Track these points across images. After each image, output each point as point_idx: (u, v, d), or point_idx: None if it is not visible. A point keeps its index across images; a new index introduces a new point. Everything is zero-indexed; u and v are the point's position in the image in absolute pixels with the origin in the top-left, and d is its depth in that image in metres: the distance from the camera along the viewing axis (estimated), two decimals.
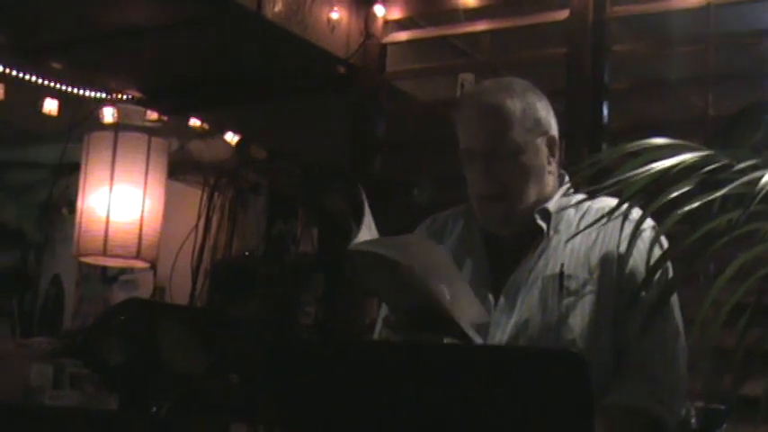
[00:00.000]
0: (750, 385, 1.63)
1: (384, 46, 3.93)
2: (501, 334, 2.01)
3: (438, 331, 1.88)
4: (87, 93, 4.47)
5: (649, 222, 1.87)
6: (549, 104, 2.14)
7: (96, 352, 3.51)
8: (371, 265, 1.84)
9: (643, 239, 1.96)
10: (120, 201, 4.51)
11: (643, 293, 1.91)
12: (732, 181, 1.58)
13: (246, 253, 5.09)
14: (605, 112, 3.42)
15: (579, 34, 3.47)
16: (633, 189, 1.70)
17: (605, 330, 1.99)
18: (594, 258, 2.03)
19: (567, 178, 2.18)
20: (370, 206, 1.90)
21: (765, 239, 1.60)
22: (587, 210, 2.09)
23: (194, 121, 4.82)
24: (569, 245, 2.05)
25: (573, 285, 2.01)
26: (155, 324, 3.43)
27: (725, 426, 2.36)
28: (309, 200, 5.01)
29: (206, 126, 4.88)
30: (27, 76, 4.24)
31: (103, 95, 4.52)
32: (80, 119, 4.72)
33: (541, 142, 2.09)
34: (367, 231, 1.85)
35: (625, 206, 1.82)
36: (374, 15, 3.91)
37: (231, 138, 4.93)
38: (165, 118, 4.75)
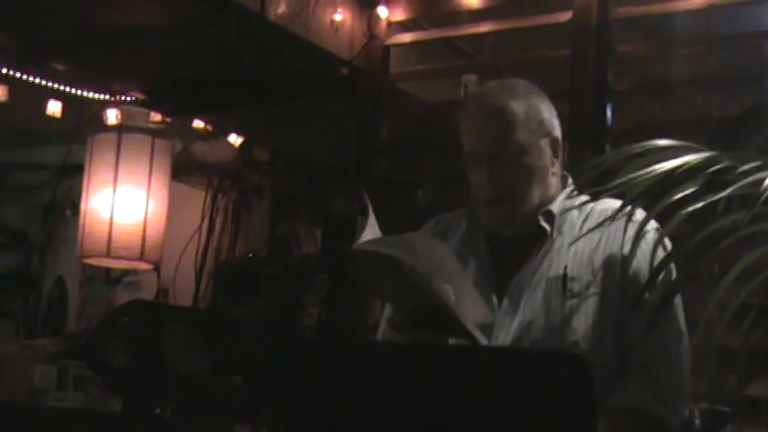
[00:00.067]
0: (754, 386, 1.63)
1: (387, 47, 3.93)
2: (504, 335, 2.01)
3: (442, 331, 1.88)
4: (91, 94, 4.48)
5: (653, 224, 1.87)
6: (552, 106, 2.14)
7: (100, 353, 3.51)
8: (375, 265, 1.84)
9: (647, 241, 1.96)
10: (124, 202, 4.51)
11: (646, 295, 1.91)
12: (736, 182, 1.58)
13: (250, 254, 5.09)
14: (609, 113, 3.42)
15: (583, 35, 3.46)
16: (637, 190, 1.70)
17: (609, 332, 1.99)
18: (598, 260, 2.03)
19: (570, 180, 2.17)
20: (374, 207, 1.90)
21: None
22: (590, 211, 2.09)
23: (198, 123, 4.82)
24: (573, 246, 2.05)
25: (576, 287, 2.01)
26: (158, 326, 3.43)
27: (729, 427, 2.36)
28: (313, 201, 5.01)
29: (209, 128, 4.88)
30: (30, 78, 4.25)
31: (107, 97, 4.52)
32: (84, 120, 4.72)
33: (545, 144, 2.09)
34: (370, 231, 1.85)
35: (628, 208, 1.82)
36: (377, 17, 3.91)
37: (234, 139, 4.93)
38: (169, 119, 4.76)
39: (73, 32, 3.89)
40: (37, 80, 4.26)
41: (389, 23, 3.92)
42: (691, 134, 1.95)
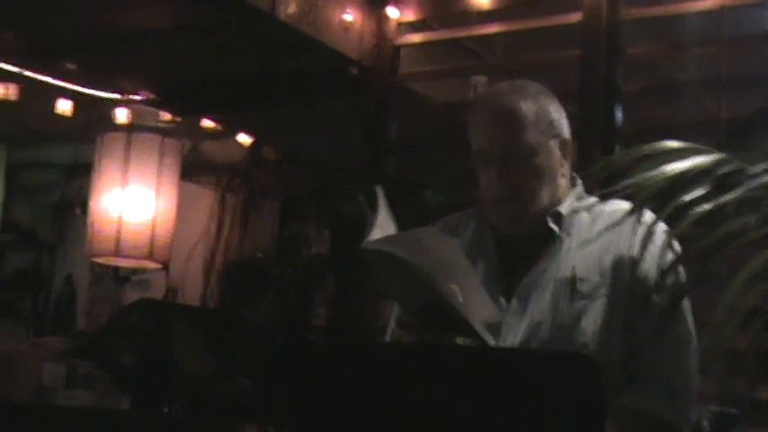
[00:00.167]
0: (763, 389, 1.63)
1: (397, 48, 3.93)
2: (513, 336, 2.01)
3: (450, 331, 1.88)
4: (101, 94, 4.49)
5: (662, 226, 1.86)
6: (561, 107, 2.14)
7: (108, 352, 3.52)
8: (383, 264, 1.84)
9: (655, 243, 1.96)
10: (133, 201, 4.52)
11: (655, 297, 1.90)
12: (745, 184, 1.58)
13: (259, 254, 5.10)
14: (618, 114, 3.42)
15: (592, 36, 3.46)
16: (646, 192, 1.70)
17: (617, 333, 1.99)
18: (606, 262, 2.02)
19: (578, 181, 2.17)
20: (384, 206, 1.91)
21: None
22: (599, 213, 2.09)
23: (207, 123, 4.83)
24: (581, 248, 2.04)
25: (585, 288, 2.01)
26: (167, 325, 3.43)
27: (737, 430, 2.36)
28: (322, 201, 5.01)
29: (219, 127, 4.89)
30: (41, 77, 4.26)
31: (117, 96, 4.54)
32: (93, 120, 4.74)
33: (554, 144, 2.09)
34: (380, 230, 1.85)
35: (638, 210, 1.82)
36: (387, 17, 3.91)
37: (244, 139, 4.94)
38: (178, 119, 4.77)
39: (83, 32, 3.90)
40: (47, 79, 4.27)
41: (399, 24, 3.92)
42: (700, 136, 1.95)
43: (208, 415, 3.23)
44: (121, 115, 4.71)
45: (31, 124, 5.05)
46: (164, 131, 4.68)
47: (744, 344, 1.55)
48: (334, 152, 4.52)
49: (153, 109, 4.69)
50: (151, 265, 4.72)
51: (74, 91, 4.40)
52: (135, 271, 5.17)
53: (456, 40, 3.96)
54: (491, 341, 1.89)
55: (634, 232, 1.94)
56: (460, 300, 1.83)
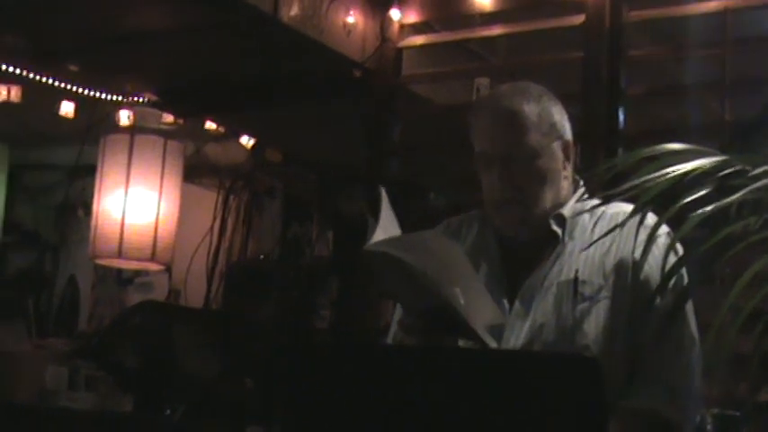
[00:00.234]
0: (766, 392, 1.63)
1: (400, 50, 3.93)
2: (515, 339, 2.01)
3: (453, 334, 1.88)
4: (104, 95, 4.49)
5: (664, 228, 1.86)
6: (564, 109, 2.14)
7: (111, 354, 3.52)
8: (385, 267, 1.84)
9: (658, 245, 1.95)
10: (136, 203, 4.52)
11: (658, 300, 1.90)
12: (748, 186, 1.57)
13: (261, 256, 5.10)
14: (621, 116, 3.42)
15: (596, 39, 3.46)
16: (649, 195, 1.70)
17: (619, 336, 1.99)
18: (609, 264, 2.02)
19: (581, 183, 2.17)
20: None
21: None
22: (602, 215, 2.09)
23: (210, 124, 4.84)
24: (584, 250, 2.04)
25: (587, 291, 2.01)
26: (170, 326, 3.44)
27: None
28: (325, 203, 5.01)
29: (221, 129, 4.89)
30: (44, 79, 4.26)
31: (120, 98, 4.54)
32: (96, 121, 4.74)
33: (557, 147, 2.09)
34: (382, 232, 1.85)
35: (640, 212, 1.82)
36: (390, 19, 3.91)
37: (247, 141, 4.94)
38: (181, 121, 4.77)
39: (86, 34, 3.91)
40: (50, 81, 4.27)
41: (402, 26, 3.92)
42: (704, 138, 1.95)
43: (212, 415, 3.23)
44: (124, 117, 4.71)
45: (34, 126, 5.05)
46: (166, 133, 4.68)
47: (746, 346, 1.55)
48: (337, 154, 4.52)
49: (156, 111, 4.70)
50: (154, 266, 4.73)
51: (77, 93, 4.40)
52: (138, 273, 5.18)
53: (459, 43, 3.96)
54: (493, 344, 1.89)
55: (636, 234, 1.94)
56: (463, 302, 1.82)
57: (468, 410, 1.50)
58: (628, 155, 1.97)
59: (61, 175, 5.48)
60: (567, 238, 2.07)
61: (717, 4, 3.30)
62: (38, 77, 4.24)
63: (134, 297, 5.14)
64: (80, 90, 4.39)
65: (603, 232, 2.02)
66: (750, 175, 1.60)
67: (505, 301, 2.05)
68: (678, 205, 1.63)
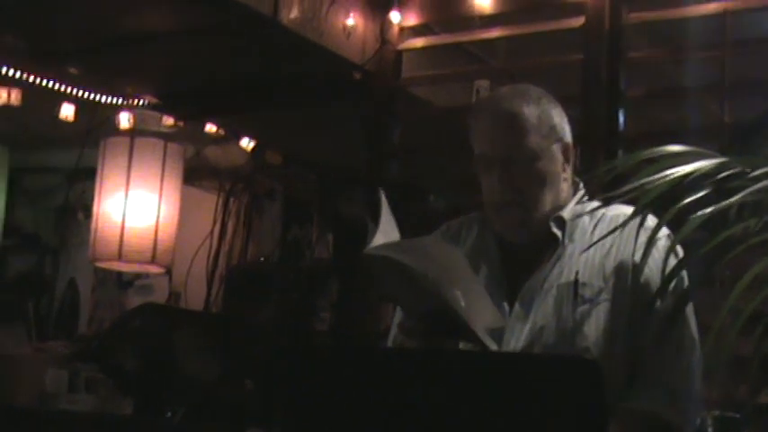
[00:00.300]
0: (766, 394, 1.63)
1: (399, 52, 3.93)
2: (515, 341, 2.01)
3: (453, 337, 1.88)
4: (104, 98, 4.49)
5: (664, 230, 1.86)
6: (564, 111, 2.14)
7: (112, 356, 3.52)
8: (386, 270, 1.84)
9: (658, 248, 1.96)
10: (136, 206, 4.52)
11: (658, 303, 1.90)
12: (747, 188, 1.57)
13: (262, 258, 5.10)
14: (621, 118, 3.41)
15: (595, 41, 3.46)
16: (649, 197, 1.70)
17: (619, 338, 1.99)
18: (609, 266, 2.02)
19: (581, 185, 2.17)
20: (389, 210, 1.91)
21: None
22: (602, 217, 2.09)
23: (210, 127, 4.83)
24: (584, 253, 2.04)
25: (587, 293, 2.01)
26: (170, 329, 3.44)
27: None
28: (325, 205, 5.02)
29: (222, 132, 4.89)
30: (44, 82, 4.26)
31: (120, 101, 4.54)
32: (96, 124, 4.74)
33: (557, 149, 2.09)
34: (382, 235, 1.85)
35: (640, 214, 1.82)
36: (390, 22, 3.92)
37: (247, 143, 4.95)
38: (181, 123, 4.77)
39: (86, 36, 3.91)
40: (50, 84, 4.27)
41: (402, 28, 3.92)
42: (704, 140, 1.95)
43: (212, 418, 3.23)
44: (124, 120, 4.71)
45: (34, 128, 5.05)
46: (167, 136, 4.68)
47: (746, 348, 1.55)
48: (337, 156, 4.52)
49: (156, 113, 4.70)
50: (154, 269, 4.72)
51: (77, 95, 4.40)
52: (138, 276, 5.17)
53: (458, 45, 3.96)
54: (493, 347, 1.89)
55: (637, 237, 1.94)
56: (463, 305, 1.83)
57: (469, 413, 1.50)
58: (627, 157, 1.98)
59: (61, 178, 5.48)
60: (566, 241, 2.07)
61: (716, 6, 3.30)
62: (38, 80, 4.24)
63: (134, 300, 5.14)
64: (80, 93, 4.39)
65: (603, 234, 2.02)
66: (750, 176, 1.61)
67: (505, 304, 2.05)
68: (678, 207, 1.63)
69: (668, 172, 1.69)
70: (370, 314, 3.76)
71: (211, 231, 5.00)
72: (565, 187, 2.12)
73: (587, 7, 3.48)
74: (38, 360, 3.97)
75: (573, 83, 3.46)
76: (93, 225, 4.59)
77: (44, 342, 4.74)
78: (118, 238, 4.48)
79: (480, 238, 2.16)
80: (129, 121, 4.70)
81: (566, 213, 2.09)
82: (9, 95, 4.35)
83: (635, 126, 3.51)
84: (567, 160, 2.11)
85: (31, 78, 4.21)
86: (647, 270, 1.98)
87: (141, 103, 4.55)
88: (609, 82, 3.43)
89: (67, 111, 4.52)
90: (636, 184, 1.71)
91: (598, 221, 2.09)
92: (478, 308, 1.87)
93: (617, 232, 1.99)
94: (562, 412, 1.47)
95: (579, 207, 2.12)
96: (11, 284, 5.58)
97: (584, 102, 3.42)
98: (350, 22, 3.85)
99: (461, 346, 1.89)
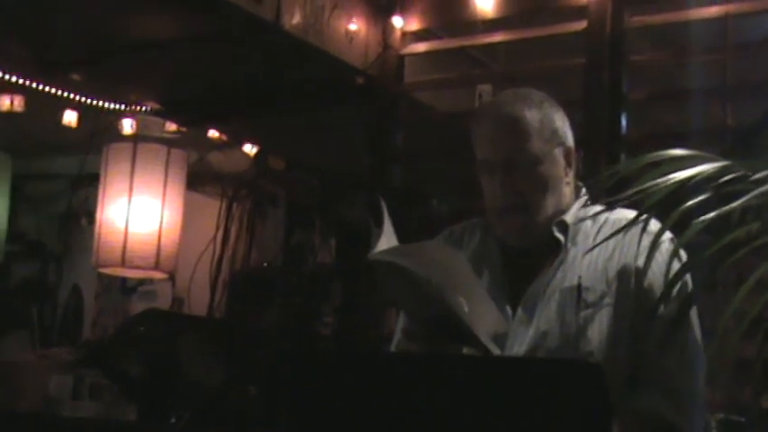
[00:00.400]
0: None
1: (402, 57, 3.94)
2: (519, 346, 2.01)
3: (457, 342, 1.88)
4: (107, 104, 4.50)
5: (667, 234, 1.86)
6: (566, 115, 2.14)
7: (115, 362, 3.52)
8: (390, 275, 1.84)
9: (661, 252, 1.95)
10: (139, 212, 4.53)
11: (662, 307, 1.90)
12: (749, 191, 1.57)
13: (265, 264, 5.10)
14: (623, 122, 3.42)
15: (597, 44, 3.46)
16: (651, 200, 1.70)
17: (623, 342, 1.98)
18: (612, 270, 2.02)
19: (583, 190, 2.17)
20: (390, 215, 1.91)
21: None
22: (605, 221, 2.08)
23: (213, 133, 4.84)
24: (587, 257, 2.04)
25: (591, 298, 2.01)
26: (174, 335, 3.43)
27: None
28: (327, 210, 5.02)
29: (224, 137, 4.90)
30: (47, 88, 4.27)
31: (123, 107, 4.54)
32: (99, 130, 4.75)
33: (559, 153, 2.09)
34: (386, 240, 1.85)
35: (643, 218, 1.82)
36: (392, 26, 3.92)
37: (249, 149, 4.95)
38: (184, 129, 4.78)
39: (89, 43, 3.91)
40: (53, 90, 4.28)
41: (404, 33, 3.93)
42: (706, 143, 1.95)
43: (216, 424, 3.23)
44: (127, 126, 4.72)
45: (38, 135, 5.06)
46: (169, 142, 4.68)
47: (750, 351, 1.55)
48: (340, 161, 4.52)
49: (159, 119, 4.70)
50: (158, 275, 4.73)
51: (79, 102, 4.41)
52: (141, 281, 5.18)
53: (461, 49, 3.96)
54: (497, 351, 1.89)
55: (640, 240, 1.94)
56: (466, 310, 1.83)
57: (473, 418, 1.50)
58: (630, 161, 1.98)
59: (64, 184, 5.49)
60: (569, 245, 2.07)
61: (718, 9, 3.30)
62: (41, 87, 4.25)
63: (138, 306, 5.15)
64: (83, 99, 4.39)
65: (606, 238, 2.02)
66: (752, 179, 1.61)
67: (508, 309, 2.04)
68: (681, 211, 1.63)
69: (671, 176, 1.69)
70: (374, 318, 3.76)
71: (214, 237, 5.00)
72: (567, 191, 2.12)
73: (589, 11, 3.48)
74: (42, 366, 3.97)
75: (575, 86, 3.46)
76: (96, 231, 4.60)
77: (48, 348, 4.75)
78: (121, 244, 4.49)
79: (483, 242, 2.16)
80: (132, 127, 4.71)
81: (568, 217, 2.09)
82: (12, 102, 4.36)
83: (637, 129, 3.51)
84: (569, 164, 2.11)
85: (34, 85, 4.22)
86: (650, 274, 1.98)
87: (144, 109, 4.55)
88: (611, 85, 3.43)
89: (70, 117, 4.53)
90: (639, 187, 1.71)
91: (601, 226, 2.08)
92: (482, 312, 1.87)
93: (620, 236, 1.98)
94: (566, 416, 1.47)
95: (582, 211, 2.11)
96: (15, 291, 5.58)
97: (587, 105, 3.43)
98: (352, 27, 3.86)
99: (465, 350, 1.89)
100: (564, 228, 2.08)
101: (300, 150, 4.93)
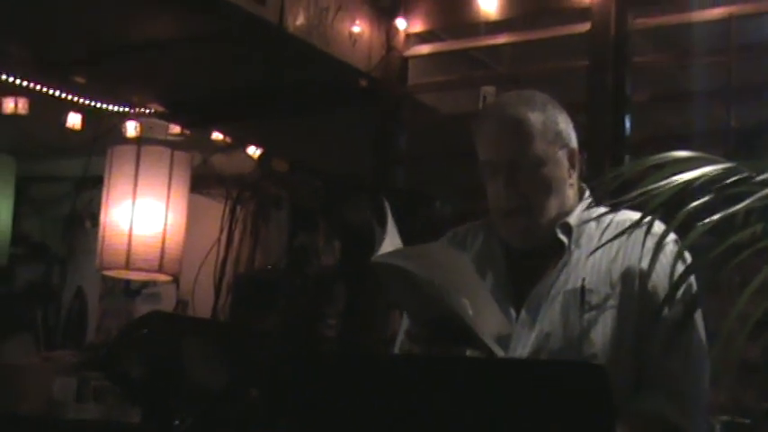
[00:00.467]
0: None
1: (406, 59, 3.94)
2: (522, 348, 2.01)
3: (460, 343, 1.88)
4: (110, 107, 4.50)
5: (671, 236, 1.86)
6: (569, 117, 2.14)
7: (119, 365, 3.52)
8: (393, 277, 1.85)
9: (665, 254, 1.95)
10: (143, 214, 4.53)
11: (666, 309, 1.90)
12: (753, 193, 1.57)
13: (269, 266, 5.10)
14: (627, 124, 3.41)
15: (601, 46, 3.46)
16: (655, 202, 1.69)
17: (627, 344, 1.98)
18: (616, 272, 2.02)
19: (587, 192, 2.17)
20: (393, 218, 1.91)
21: None
22: (609, 223, 2.08)
23: (217, 135, 4.84)
24: (590, 259, 2.04)
25: (594, 300, 2.00)
26: (177, 337, 3.43)
27: None
28: (331, 212, 5.02)
29: (228, 139, 4.90)
30: (51, 91, 4.27)
31: (126, 109, 4.54)
32: (103, 133, 4.75)
33: (562, 155, 2.09)
34: (390, 243, 1.85)
35: (647, 219, 1.81)
36: (396, 29, 3.92)
37: (253, 151, 4.95)
38: (188, 132, 4.78)
39: (92, 45, 3.91)
40: (57, 93, 4.28)
41: (408, 35, 3.93)
42: (710, 145, 1.95)
43: (220, 427, 3.23)
44: (131, 128, 4.72)
45: (41, 138, 5.06)
46: (173, 144, 4.69)
47: (754, 353, 1.54)
48: (344, 163, 4.52)
49: (162, 122, 4.71)
50: (162, 277, 4.73)
51: (83, 104, 4.41)
52: (145, 284, 5.18)
53: (464, 51, 3.96)
54: (500, 354, 1.89)
55: (643, 242, 1.94)
56: (470, 312, 1.82)
57: (476, 420, 1.49)
58: (634, 163, 1.97)
59: (68, 186, 5.49)
60: (573, 247, 2.07)
61: (721, 11, 3.30)
62: (44, 89, 4.25)
63: (142, 308, 5.15)
64: (87, 102, 4.40)
65: (610, 240, 2.02)
66: (756, 181, 1.60)
67: (512, 311, 2.04)
68: (685, 212, 1.63)
69: (674, 177, 1.69)
70: (378, 320, 3.76)
71: (218, 239, 5.01)
72: (571, 193, 2.12)
73: (593, 13, 3.48)
74: (46, 369, 3.98)
75: (578, 88, 3.46)
76: (100, 234, 4.60)
77: (52, 351, 4.76)
78: (125, 246, 4.49)
79: (486, 244, 2.16)
80: (135, 129, 4.71)
81: (572, 219, 2.09)
82: (16, 105, 4.36)
83: (641, 131, 3.51)
84: (572, 166, 2.11)
85: (38, 88, 4.22)
86: (654, 276, 1.98)
87: (148, 111, 4.56)
88: (614, 87, 3.43)
89: (74, 120, 4.53)
90: (642, 189, 1.71)
91: (605, 227, 2.08)
92: (485, 314, 1.87)
93: (623, 238, 1.98)
94: (569, 419, 1.46)
95: (585, 213, 2.11)
96: (19, 294, 5.59)
97: (590, 107, 3.42)
98: (356, 29, 3.86)
99: (468, 352, 1.89)
100: (567, 230, 2.08)
101: (304, 152, 4.93)
